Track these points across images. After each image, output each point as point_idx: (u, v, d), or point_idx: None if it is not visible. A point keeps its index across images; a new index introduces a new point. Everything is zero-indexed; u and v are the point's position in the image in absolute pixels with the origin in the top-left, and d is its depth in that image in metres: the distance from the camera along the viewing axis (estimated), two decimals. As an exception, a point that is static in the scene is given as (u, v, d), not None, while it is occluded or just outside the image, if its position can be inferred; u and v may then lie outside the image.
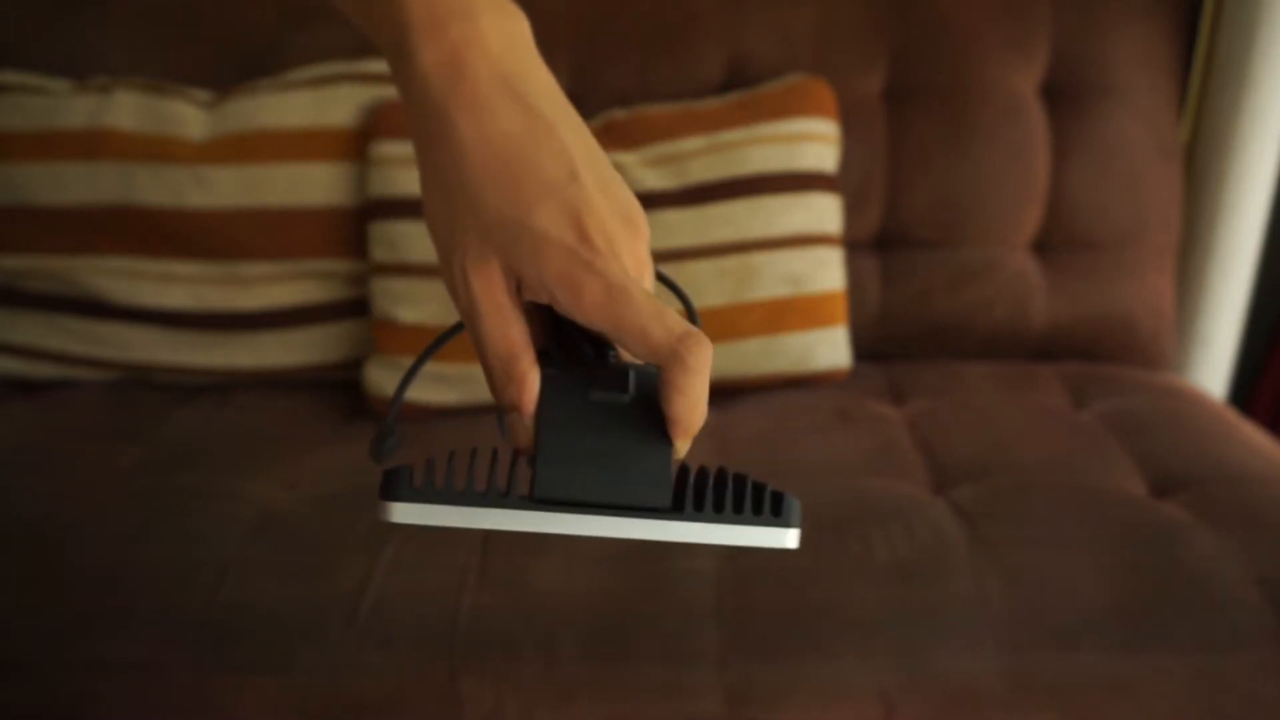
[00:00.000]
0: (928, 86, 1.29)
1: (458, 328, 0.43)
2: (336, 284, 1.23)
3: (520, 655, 0.81)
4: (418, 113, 0.38)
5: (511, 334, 0.38)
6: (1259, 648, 0.81)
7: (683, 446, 0.38)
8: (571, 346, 0.41)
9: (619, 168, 1.19)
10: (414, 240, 1.16)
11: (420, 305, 1.16)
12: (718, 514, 0.38)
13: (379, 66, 1.24)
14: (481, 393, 1.06)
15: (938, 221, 1.29)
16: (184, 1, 1.30)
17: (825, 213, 1.20)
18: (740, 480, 0.38)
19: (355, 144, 1.20)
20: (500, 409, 0.39)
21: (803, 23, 1.30)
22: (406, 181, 1.16)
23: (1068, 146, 1.29)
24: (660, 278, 0.44)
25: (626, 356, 0.41)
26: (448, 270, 0.38)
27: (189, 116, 1.21)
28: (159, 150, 1.19)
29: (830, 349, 1.20)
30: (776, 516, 0.38)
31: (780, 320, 1.17)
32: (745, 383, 1.20)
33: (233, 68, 1.27)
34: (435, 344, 0.44)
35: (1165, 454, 1.04)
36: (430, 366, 1.15)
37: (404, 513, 0.36)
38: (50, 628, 0.84)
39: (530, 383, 0.38)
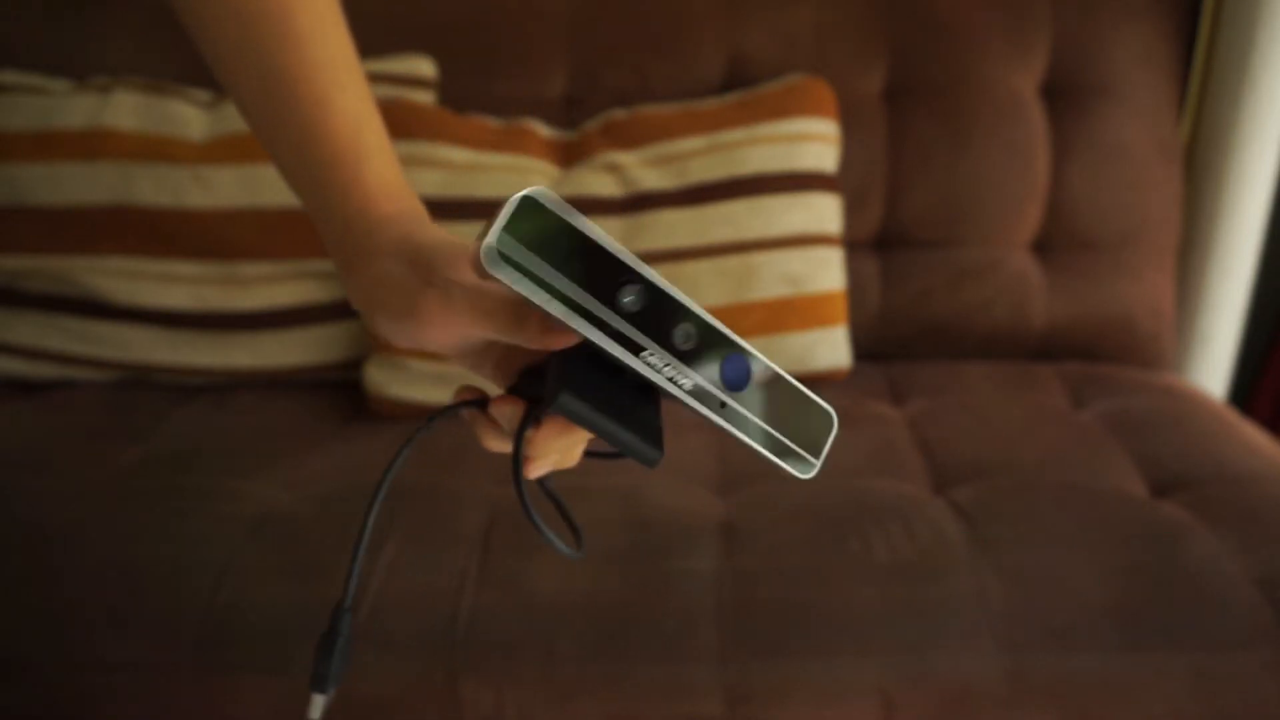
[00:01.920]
0: (928, 86, 1.29)
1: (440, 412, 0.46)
2: (336, 284, 1.23)
3: (520, 655, 0.81)
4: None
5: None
6: (1259, 648, 0.81)
7: None
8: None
9: (619, 168, 1.19)
10: (414, 240, 1.16)
11: (420, 305, 1.15)
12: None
13: (379, 66, 1.24)
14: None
15: (938, 221, 1.29)
16: (184, 1, 1.30)
17: (825, 213, 1.20)
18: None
19: (355, 144, 1.19)
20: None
21: (803, 23, 1.30)
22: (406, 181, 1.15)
23: (1068, 146, 1.29)
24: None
25: None
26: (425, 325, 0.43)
27: (189, 116, 1.21)
28: (159, 150, 1.19)
29: (830, 349, 1.20)
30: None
31: (780, 320, 1.17)
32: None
33: (233, 68, 1.27)
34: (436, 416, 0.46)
35: (1165, 454, 1.04)
36: (429, 366, 1.15)
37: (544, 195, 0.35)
38: (50, 628, 0.84)
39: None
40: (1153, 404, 1.18)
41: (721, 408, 0.38)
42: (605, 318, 0.36)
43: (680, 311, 0.37)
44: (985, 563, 0.87)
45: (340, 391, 1.24)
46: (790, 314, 1.18)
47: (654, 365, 0.37)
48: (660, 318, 0.37)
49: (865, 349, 1.29)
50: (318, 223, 0.49)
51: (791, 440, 0.40)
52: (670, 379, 0.37)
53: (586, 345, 0.38)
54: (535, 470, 0.43)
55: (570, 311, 0.35)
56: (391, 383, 1.16)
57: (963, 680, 0.80)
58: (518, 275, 0.34)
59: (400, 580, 0.86)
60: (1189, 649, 0.81)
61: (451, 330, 0.42)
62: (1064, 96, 1.29)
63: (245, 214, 1.19)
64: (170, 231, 1.19)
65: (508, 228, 0.34)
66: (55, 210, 1.19)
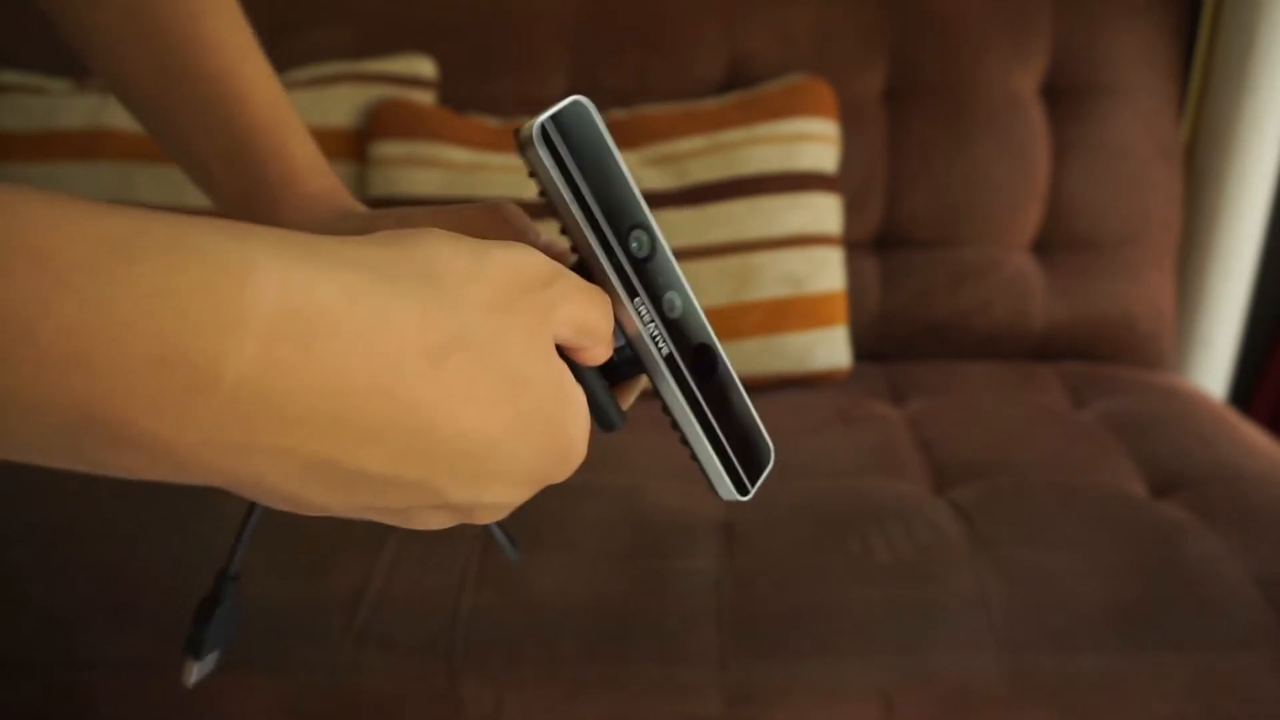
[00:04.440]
0: (928, 86, 1.29)
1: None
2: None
3: (520, 655, 0.81)
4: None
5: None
6: (1259, 648, 0.81)
7: None
8: None
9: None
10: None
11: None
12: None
13: (379, 66, 1.23)
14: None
15: (938, 221, 1.29)
16: (184, 1, 1.30)
17: (825, 213, 1.20)
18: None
19: (355, 144, 1.20)
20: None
21: (803, 23, 1.30)
22: (406, 181, 1.15)
23: (1067, 146, 1.29)
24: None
25: None
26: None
27: (189, 116, 1.21)
28: (158, 150, 1.19)
29: (830, 349, 1.20)
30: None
31: (780, 320, 1.17)
32: (745, 383, 1.20)
33: (233, 68, 1.27)
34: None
35: (1165, 454, 1.04)
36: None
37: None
38: (51, 626, 0.84)
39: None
40: (1152, 404, 1.18)
41: (687, 389, 0.37)
42: (615, 247, 0.35)
43: (674, 279, 0.37)
44: (985, 563, 0.87)
45: (340, 391, 1.24)
46: (790, 314, 1.18)
47: (642, 316, 0.36)
48: (655, 276, 0.36)
49: (865, 349, 1.29)
50: (231, 207, 0.45)
51: (736, 455, 0.39)
52: (653, 336, 0.36)
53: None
54: None
55: (587, 222, 0.35)
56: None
57: (963, 680, 0.80)
58: (553, 163, 0.34)
59: (400, 580, 0.86)
60: (1189, 649, 0.81)
61: None
62: (1064, 96, 1.29)
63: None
64: (170, 231, 1.19)
65: (556, 117, 0.34)
66: (55, 210, 1.19)
